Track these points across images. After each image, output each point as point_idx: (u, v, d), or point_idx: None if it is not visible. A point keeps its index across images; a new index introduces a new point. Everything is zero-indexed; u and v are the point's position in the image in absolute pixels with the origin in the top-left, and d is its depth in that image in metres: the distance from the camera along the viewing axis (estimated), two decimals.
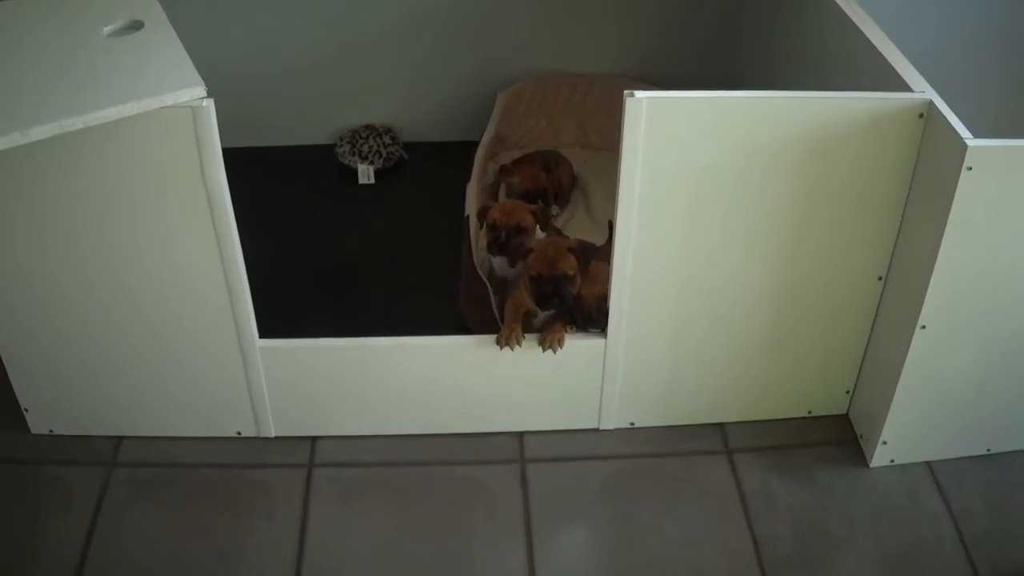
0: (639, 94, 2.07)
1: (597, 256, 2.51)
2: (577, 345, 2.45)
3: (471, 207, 3.10)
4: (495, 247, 2.68)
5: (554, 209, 3.30)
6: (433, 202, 3.44)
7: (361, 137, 3.70)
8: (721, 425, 2.58)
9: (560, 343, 2.37)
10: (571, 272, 2.39)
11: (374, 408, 2.52)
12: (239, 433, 2.54)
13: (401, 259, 3.18)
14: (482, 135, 3.48)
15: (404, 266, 3.15)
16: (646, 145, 2.13)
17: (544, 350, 2.37)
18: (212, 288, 2.28)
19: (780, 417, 2.58)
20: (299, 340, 2.42)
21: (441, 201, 3.41)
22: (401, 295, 3.01)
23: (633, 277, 2.33)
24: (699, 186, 2.21)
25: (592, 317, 2.37)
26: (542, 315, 2.44)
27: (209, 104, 2.02)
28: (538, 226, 2.82)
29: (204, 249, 2.22)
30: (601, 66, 3.60)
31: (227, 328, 2.34)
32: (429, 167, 3.66)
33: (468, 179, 3.25)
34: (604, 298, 2.34)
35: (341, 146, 3.71)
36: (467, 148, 3.45)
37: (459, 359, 2.45)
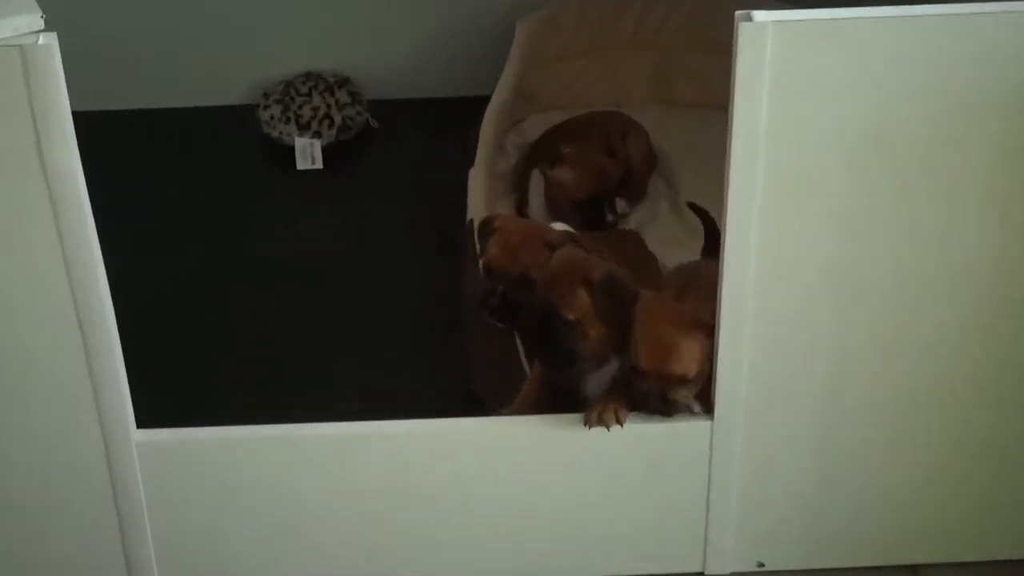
0: (760, 15, 2.05)
1: (660, 284, 2.55)
2: (662, 433, 2.42)
3: (476, 208, 3.09)
4: (486, 306, 2.71)
5: (620, 206, 3.29)
6: (415, 197, 3.42)
7: (299, 93, 3.68)
8: (913, 569, 2.56)
9: (608, 420, 2.39)
10: (571, 316, 2.41)
11: (331, 543, 2.51)
12: None
13: (365, 288, 3.17)
14: (493, 90, 3.46)
15: (370, 299, 3.14)
16: (773, 100, 2.11)
17: (589, 426, 2.40)
18: (56, 344, 2.26)
19: (1004, 557, 2.58)
20: (200, 430, 2.43)
21: (427, 196, 3.39)
22: (366, 348, 3.01)
23: (757, 321, 2.31)
24: (863, 166, 2.20)
25: (651, 399, 2.39)
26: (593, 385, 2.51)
27: (50, 41, 2.01)
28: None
29: (43, 281, 2.20)
30: None
31: (83, 412, 2.34)
32: (408, 141, 3.64)
33: (471, 162, 3.24)
34: (676, 371, 2.34)
35: (267, 107, 3.69)
36: (470, 109, 3.43)
37: (469, 455, 2.45)
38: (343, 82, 3.70)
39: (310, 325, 3.06)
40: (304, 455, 2.44)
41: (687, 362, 2.34)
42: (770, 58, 2.07)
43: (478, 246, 2.84)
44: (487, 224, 2.78)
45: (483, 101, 3.38)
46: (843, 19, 2.08)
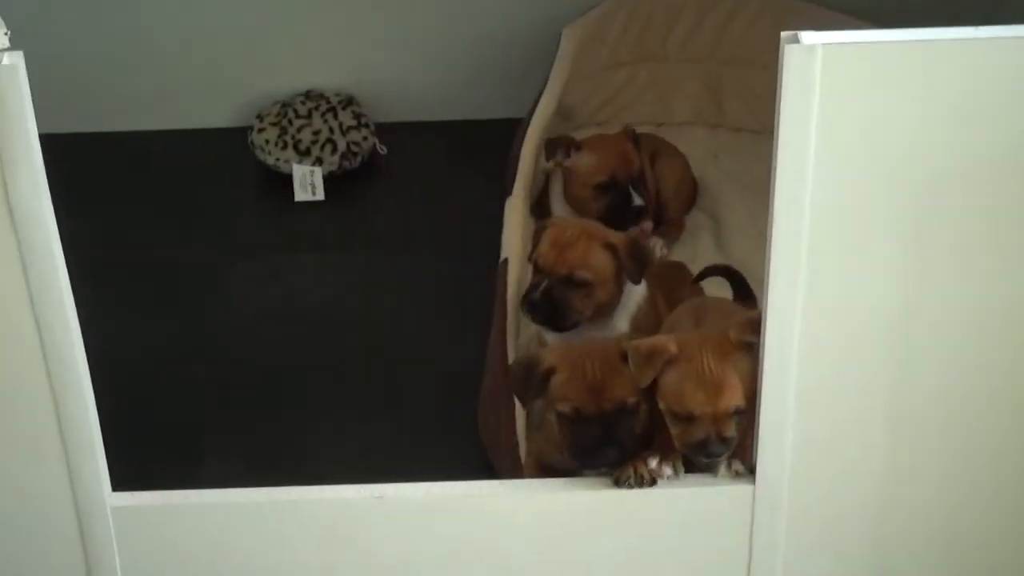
0: (808, 36, 2.03)
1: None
2: (697, 497, 2.42)
3: (513, 245, 3.07)
4: (529, 303, 2.79)
5: (656, 245, 3.30)
6: (426, 233, 3.40)
7: (298, 115, 3.68)
8: None
9: (644, 476, 2.41)
10: (632, 399, 2.46)
11: None
12: None
13: (369, 338, 3.14)
14: (533, 106, 3.40)
15: (373, 351, 3.11)
16: (823, 131, 2.10)
17: (621, 485, 2.42)
18: (25, 404, 2.29)
19: None
20: (181, 493, 2.44)
21: (440, 232, 3.39)
22: (366, 405, 2.98)
23: (802, 375, 2.30)
24: (923, 205, 2.18)
25: (710, 443, 2.40)
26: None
27: (15, 61, 2.00)
28: (625, 275, 2.82)
29: (11, 338, 2.21)
30: None
31: (52, 471, 2.36)
32: (419, 169, 3.62)
33: (491, 192, 3.23)
34: (731, 405, 2.38)
35: (261, 131, 3.69)
36: (488, 134, 3.49)
37: (483, 521, 2.46)
38: (347, 102, 3.71)
39: (303, 379, 3.07)
40: (294, 522, 2.44)
41: (739, 390, 2.37)
42: (820, 85, 2.06)
43: (530, 247, 2.89)
44: (541, 225, 2.85)
45: (503, 124, 3.41)
46: (904, 41, 2.07)
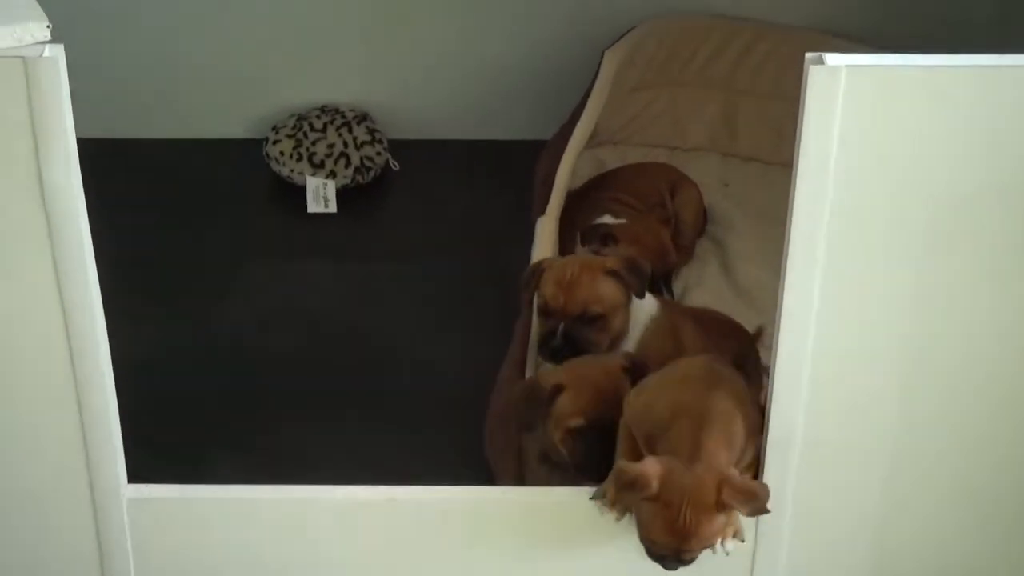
0: (833, 58, 2.05)
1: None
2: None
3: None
4: (549, 350, 2.74)
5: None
6: (438, 250, 3.44)
7: (313, 128, 3.71)
8: None
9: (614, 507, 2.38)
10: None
11: None
12: None
13: (376, 352, 3.17)
14: (568, 126, 3.40)
15: (381, 364, 3.14)
16: (843, 155, 2.11)
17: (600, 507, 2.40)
18: (47, 392, 2.30)
19: None
20: (195, 488, 2.47)
21: (452, 249, 3.43)
22: (370, 414, 3.01)
23: (810, 400, 2.31)
24: (946, 237, 2.18)
25: (667, 562, 2.35)
26: None
27: (56, 54, 2.01)
28: (633, 299, 2.79)
29: (35, 310, 2.23)
30: (782, 9, 3.66)
31: (71, 461, 2.37)
32: (432, 187, 3.65)
33: (541, 209, 3.17)
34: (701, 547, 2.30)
35: (276, 142, 3.72)
36: (502, 154, 3.55)
37: (480, 525, 2.46)
38: (362, 118, 3.74)
39: (304, 384, 3.09)
40: (307, 519, 2.45)
41: (712, 538, 2.29)
42: (841, 106, 2.08)
43: (525, 294, 2.84)
44: (532, 270, 2.79)
45: (516, 145, 3.46)
46: (924, 66, 2.08)
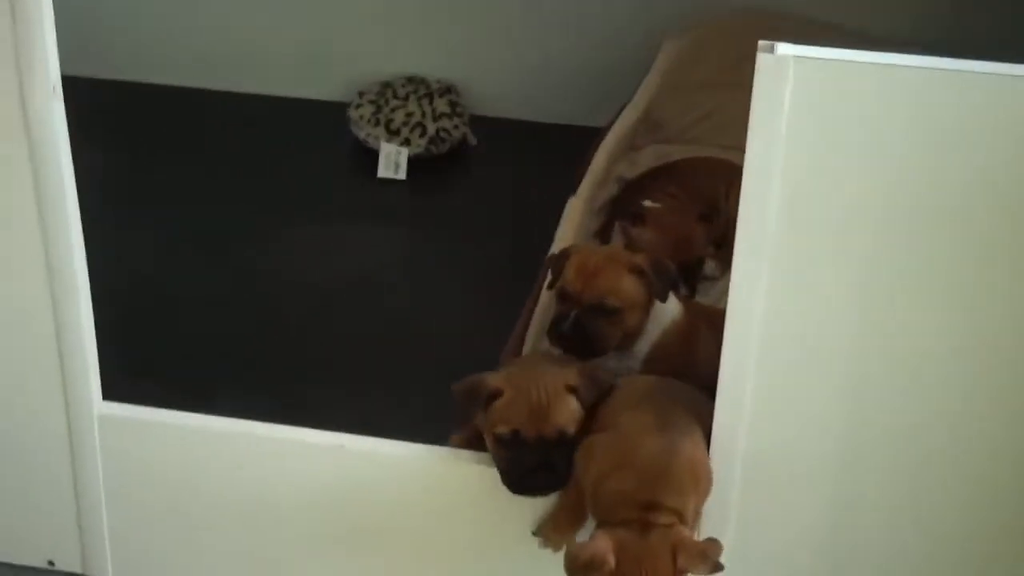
0: (784, 47, 2.04)
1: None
2: None
3: (565, 242, 3.06)
4: (558, 334, 2.68)
5: (709, 267, 3.26)
6: (498, 227, 3.46)
7: (396, 96, 3.79)
8: None
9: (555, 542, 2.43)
10: (572, 429, 2.44)
11: (299, 553, 2.58)
12: (51, 564, 2.66)
13: (417, 323, 3.20)
14: (616, 114, 3.42)
15: (405, 332, 3.18)
16: (793, 144, 2.11)
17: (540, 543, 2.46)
18: (22, 303, 2.41)
19: None
20: (167, 412, 2.54)
21: (513, 227, 3.44)
22: (405, 378, 3.03)
23: (754, 407, 2.30)
24: (892, 228, 2.18)
25: None
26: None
27: None
28: (661, 302, 2.71)
29: (15, 238, 2.34)
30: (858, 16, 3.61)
31: (48, 380, 2.47)
32: (505, 165, 3.69)
33: (573, 189, 3.21)
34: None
35: (359, 106, 3.81)
36: (579, 140, 3.45)
37: (439, 489, 2.51)
38: (445, 91, 3.78)
39: (328, 341, 3.11)
40: (260, 456, 2.51)
41: None
42: (790, 99, 2.06)
43: (549, 277, 2.78)
44: (563, 253, 2.74)
45: (596, 133, 3.36)
46: (874, 63, 2.06)
